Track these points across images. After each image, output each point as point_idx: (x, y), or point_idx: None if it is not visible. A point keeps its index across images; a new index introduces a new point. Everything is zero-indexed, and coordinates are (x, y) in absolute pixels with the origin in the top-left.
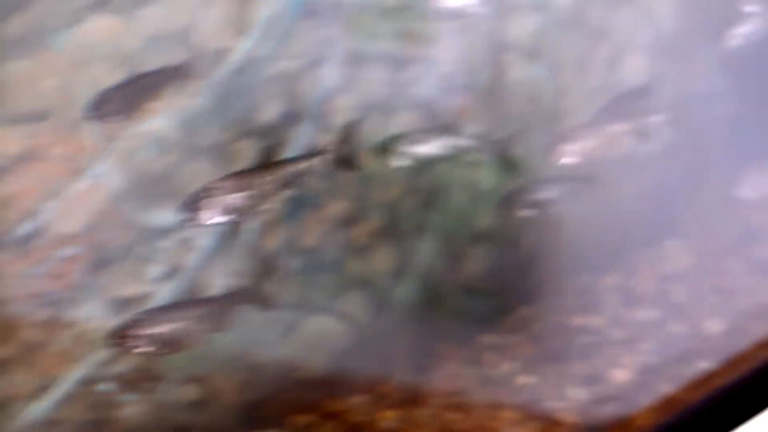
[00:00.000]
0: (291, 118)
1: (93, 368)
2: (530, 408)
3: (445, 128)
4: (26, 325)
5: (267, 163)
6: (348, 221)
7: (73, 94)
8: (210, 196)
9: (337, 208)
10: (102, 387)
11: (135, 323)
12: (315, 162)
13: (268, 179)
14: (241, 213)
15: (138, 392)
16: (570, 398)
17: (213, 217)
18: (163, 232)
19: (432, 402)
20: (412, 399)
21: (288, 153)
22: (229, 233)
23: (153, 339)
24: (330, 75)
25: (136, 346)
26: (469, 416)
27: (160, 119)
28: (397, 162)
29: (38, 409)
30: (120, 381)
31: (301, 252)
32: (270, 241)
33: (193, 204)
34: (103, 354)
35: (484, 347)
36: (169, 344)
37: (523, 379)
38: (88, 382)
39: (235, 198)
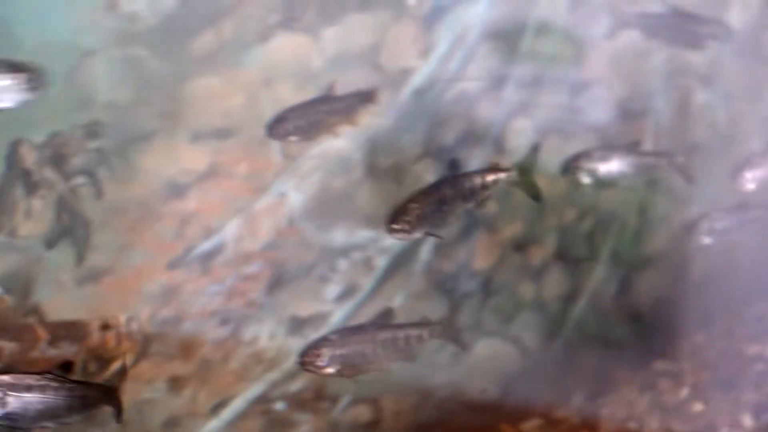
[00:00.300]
0: (470, 139)
1: (268, 387)
2: None
3: (627, 148)
4: (205, 342)
5: (451, 181)
6: (522, 244)
7: (258, 111)
8: (406, 213)
9: (512, 230)
10: (277, 406)
11: (324, 343)
12: (495, 180)
13: (452, 193)
14: (432, 227)
15: (311, 412)
16: (744, 426)
17: (411, 233)
18: (342, 251)
19: (607, 428)
20: (587, 425)
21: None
22: (406, 254)
23: (340, 360)
24: (510, 97)
25: (323, 367)
26: None
27: (343, 139)
28: (580, 179)
29: (214, 426)
30: (294, 400)
31: (475, 274)
32: (445, 263)
33: (394, 220)
34: (278, 373)
35: (657, 374)
36: (354, 367)
37: (697, 406)
38: (263, 400)
39: (427, 213)
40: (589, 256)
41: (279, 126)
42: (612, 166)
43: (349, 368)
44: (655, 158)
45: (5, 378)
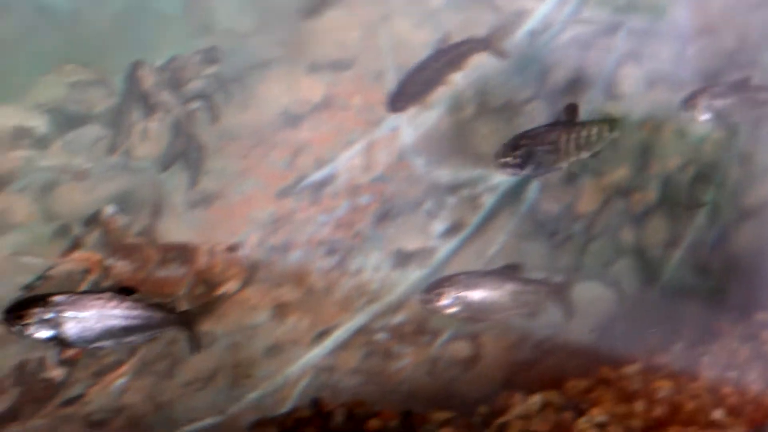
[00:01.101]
0: (580, 84)
1: (370, 318)
2: None
3: (740, 83)
4: (311, 272)
5: (566, 125)
6: (626, 190)
7: (375, 46)
8: (517, 147)
9: (616, 176)
10: (378, 338)
11: (450, 282)
12: (606, 128)
13: (566, 138)
14: (541, 168)
15: (412, 345)
16: None
17: (520, 168)
18: (450, 188)
19: (707, 375)
20: (687, 371)
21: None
22: (513, 193)
23: (462, 302)
24: (621, 45)
25: (446, 306)
26: (744, 392)
27: (457, 77)
28: (698, 117)
29: (316, 355)
30: (395, 333)
31: (578, 218)
32: (549, 205)
33: (504, 154)
34: (381, 305)
35: (759, 325)
36: (479, 312)
37: None
38: (364, 331)
39: (538, 152)
40: (690, 204)
41: (398, 101)
42: (727, 102)
43: (470, 312)
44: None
45: (58, 298)
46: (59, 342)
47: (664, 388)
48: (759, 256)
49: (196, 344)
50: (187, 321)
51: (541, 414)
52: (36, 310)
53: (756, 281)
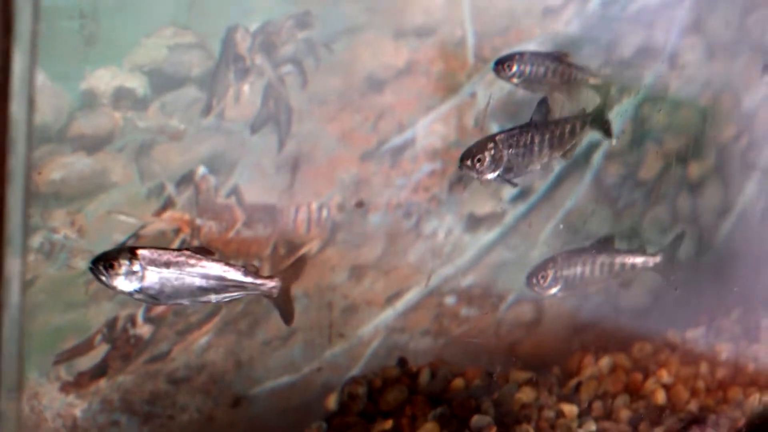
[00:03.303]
0: (647, 53)
1: (441, 281)
2: None
3: None
4: (388, 234)
5: (538, 123)
6: (684, 158)
7: (458, 13)
8: (481, 151)
9: (676, 143)
10: (447, 300)
11: (550, 264)
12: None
13: (539, 139)
14: (511, 172)
15: (478, 308)
16: None
17: (482, 174)
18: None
19: (766, 338)
20: (749, 334)
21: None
22: (580, 160)
23: (564, 280)
24: (685, 15)
25: (548, 288)
26: None
27: (533, 45)
28: None
29: (389, 315)
30: (463, 296)
31: (640, 184)
32: (614, 171)
33: (465, 157)
34: (452, 268)
35: None
36: (577, 287)
37: None
38: (435, 294)
39: (505, 156)
40: (743, 171)
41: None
42: None
43: (571, 288)
44: None
45: (145, 252)
46: (142, 295)
47: (725, 350)
48: None
49: (286, 314)
50: (270, 289)
51: (612, 375)
52: (124, 261)
53: None
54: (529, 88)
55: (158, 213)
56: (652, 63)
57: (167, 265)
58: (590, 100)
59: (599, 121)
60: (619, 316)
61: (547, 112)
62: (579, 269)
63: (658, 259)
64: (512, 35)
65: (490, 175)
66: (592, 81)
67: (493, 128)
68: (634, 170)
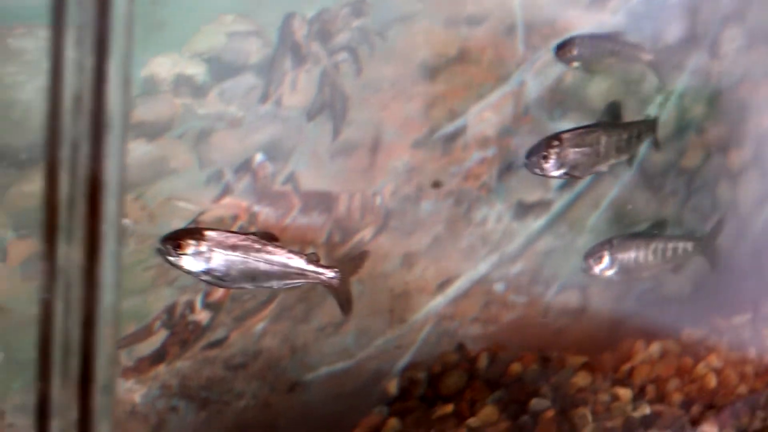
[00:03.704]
0: (689, 42)
1: (491, 268)
2: None
3: None
4: (439, 221)
5: (606, 124)
6: (724, 147)
7: (509, 2)
8: (547, 149)
9: (717, 132)
10: (496, 287)
11: (606, 247)
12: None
13: (606, 140)
14: (580, 170)
15: (526, 295)
16: None
17: (547, 172)
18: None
19: None
20: None
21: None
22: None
23: (619, 263)
24: (727, 3)
25: (605, 269)
26: None
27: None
28: None
29: (439, 302)
30: (512, 283)
31: (682, 172)
32: (658, 159)
33: (530, 154)
34: (500, 255)
35: None
36: (631, 271)
37: None
38: (484, 281)
39: (569, 155)
40: None
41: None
42: None
43: (625, 272)
44: None
45: (213, 234)
46: (208, 276)
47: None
48: None
49: (344, 305)
50: (331, 279)
51: (663, 360)
52: (192, 241)
53: None
54: (588, 69)
55: (217, 200)
56: (695, 52)
57: (234, 248)
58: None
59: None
60: (663, 304)
61: (617, 115)
62: (633, 254)
63: (706, 244)
64: (560, 24)
65: (555, 173)
66: (646, 57)
67: (541, 116)
68: (677, 159)
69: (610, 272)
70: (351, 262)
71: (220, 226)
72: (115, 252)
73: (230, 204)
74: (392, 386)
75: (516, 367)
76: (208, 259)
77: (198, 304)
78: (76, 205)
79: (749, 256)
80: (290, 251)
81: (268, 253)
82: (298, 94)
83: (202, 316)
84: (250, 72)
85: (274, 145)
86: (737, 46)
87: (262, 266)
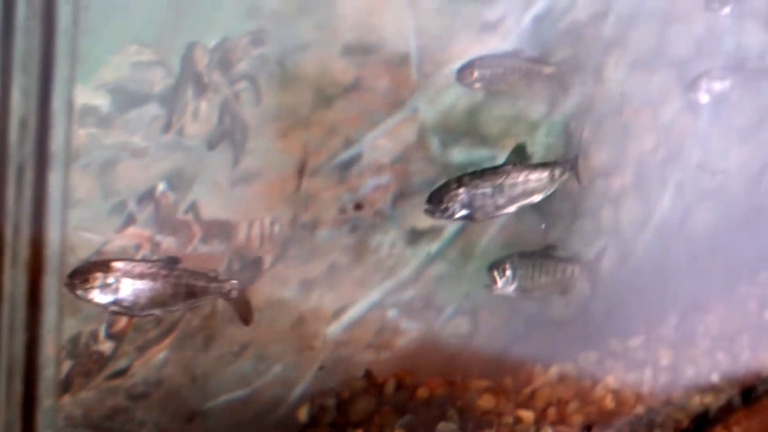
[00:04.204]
0: (574, 67)
1: (384, 294)
2: None
3: (740, 68)
4: (335, 248)
5: (510, 171)
6: (606, 171)
7: (402, 30)
8: (446, 194)
9: (599, 157)
10: (390, 314)
11: (508, 261)
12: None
13: (512, 182)
14: (483, 212)
15: (418, 321)
16: None
17: (447, 218)
18: (461, 167)
19: (702, 344)
20: (685, 341)
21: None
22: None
23: (519, 279)
24: (609, 30)
25: (508, 284)
26: (738, 357)
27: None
28: (699, 99)
29: (335, 329)
30: (405, 309)
31: (567, 196)
32: None
33: (430, 200)
34: (394, 282)
35: (745, 296)
36: (527, 289)
37: None
38: (378, 307)
39: (469, 200)
40: (660, 185)
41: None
42: (726, 85)
43: (523, 290)
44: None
45: (119, 264)
46: (117, 307)
47: (666, 356)
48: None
49: (244, 314)
50: (231, 291)
51: (562, 383)
52: (99, 274)
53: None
54: (490, 91)
55: (120, 230)
56: (579, 77)
57: (141, 276)
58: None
59: (576, 167)
60: (551, 327)
61: (524, 156)
62: (530, 271)
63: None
64: (452, 51)
65: (457, 216)
66: (547, 71)
67: (435, 144)
68: (564, 183)
69: (511, 287)
70: (247, 271)
71: (123, 256)
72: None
73: (133, 234)
74: (302, 413)
75: (422, 392)
76: (116, 290)
77: (101, 334)
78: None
79: (631, 279)
80: (193, 272)
81: (175, 277)
82: (199, 123)
83: (106, 346)
84: (153, 102)
85: (176, 174)
86: (619, 72)
87: (171, 290)
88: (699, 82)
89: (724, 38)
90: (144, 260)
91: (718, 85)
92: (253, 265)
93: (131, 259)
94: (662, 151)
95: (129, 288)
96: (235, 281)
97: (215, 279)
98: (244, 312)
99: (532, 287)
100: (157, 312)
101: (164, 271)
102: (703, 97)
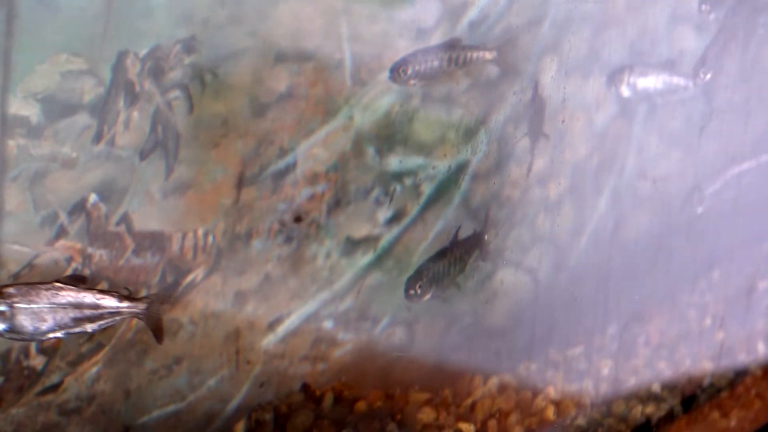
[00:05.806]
0: (512, 73)
1: (320, 306)
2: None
3: (663, 66)
4: (269, 259)
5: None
6: (543, 179)
7: (337, 36)
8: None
9: (536, 165)
10: (325, 325)
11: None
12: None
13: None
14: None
15: (354, 332)
16: (758, 352)
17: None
18: (397, 176)
19: (643, 353)
20: (625, 350)
21: (503, 108)
22: (449, 183)
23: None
24: (545, 35)
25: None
26: (679, 366)
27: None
28: (622, 93)
29: (270, 341)
30: (340, 320)
31: (503, 204)
32: (480, 193)
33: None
34: (329, 293)
35: (685, 305)
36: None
37: (719, 335)
38: (313, 319)
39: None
40: (596, 192)
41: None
42: (648, 82)
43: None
44: (685, 79)
45: (11, 290)
46: (15, 334)
47: (607, 367)
48: (661, 242)
49: (157, 333)
50: (144, 310)
51: (503, 394)
52: None
53: (670, 265)
54: (429, 84)
55: (52, 242)
56: (514, 83)
57: (38, 299)
58: None
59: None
60: (486, 337)
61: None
62: (442, 268)
63: (477, 240)
64: (387, 58)
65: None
66: (488, 56)
67: (370, 152)
68: (499, 191)
69: (428, 293)
70: (162, 292)
71: (55, 268)
72: None
73: (65, 246)
74: (239, 428)
75: (361, 405)
76: (12, 317)
77: (33, 349)
78: None
79: (569, 288)
80: (101, 291)
81: (78, 297)
82: (131, 133)
83: (37, 361)
84: (83, 111)
85: (107, 185)
86: (554, 77)
87: (73, 312)
88: (621, 75)
89: (657, 43)
90: (41, 282)
91: (641, 82)
92: (169, 287)
93: (25, 283)
94: (596, 158)
95: (26, 314)
96: (147, 302)
97: (127, 298)
98: (156, 330)
99: (448, 281)
100: (61, 335)
101: (65, 292)
102: (625, 91)
